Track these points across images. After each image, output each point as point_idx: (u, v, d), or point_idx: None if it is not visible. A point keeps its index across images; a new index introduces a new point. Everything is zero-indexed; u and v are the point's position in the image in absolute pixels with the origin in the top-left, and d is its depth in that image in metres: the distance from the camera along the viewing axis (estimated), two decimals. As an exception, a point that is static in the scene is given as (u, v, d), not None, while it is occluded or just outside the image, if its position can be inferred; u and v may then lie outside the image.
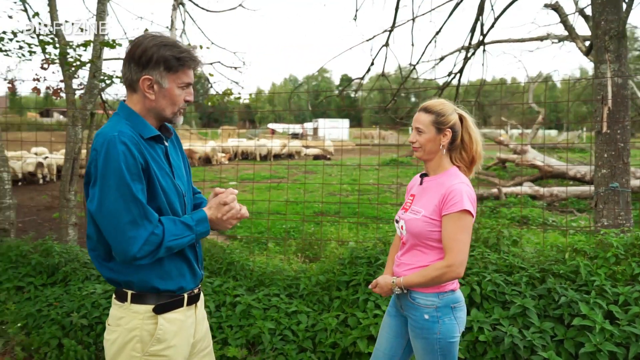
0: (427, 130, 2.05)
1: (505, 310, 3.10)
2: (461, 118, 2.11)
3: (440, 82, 6.20)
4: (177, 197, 1.75)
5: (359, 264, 3.64)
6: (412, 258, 2.10)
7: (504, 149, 17.08)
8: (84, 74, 5.65)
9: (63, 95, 5.48)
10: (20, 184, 14.13)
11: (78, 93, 5.55)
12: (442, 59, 6.71)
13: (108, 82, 5.54)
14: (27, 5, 5.71)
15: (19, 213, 6.63)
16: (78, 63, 5.37)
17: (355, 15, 5.60)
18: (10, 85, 5.66)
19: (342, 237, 5.72)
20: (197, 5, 6.02)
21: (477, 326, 3.02)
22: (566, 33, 6.79)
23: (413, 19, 5.38)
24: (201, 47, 5.98)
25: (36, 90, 5.43)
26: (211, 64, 6.33)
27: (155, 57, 1.64)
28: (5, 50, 5.67)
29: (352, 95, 6.57)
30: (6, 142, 5.03)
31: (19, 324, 3.69)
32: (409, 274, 2.06)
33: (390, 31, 5.53)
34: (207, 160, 22.15)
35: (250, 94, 7.08)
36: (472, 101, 5.99)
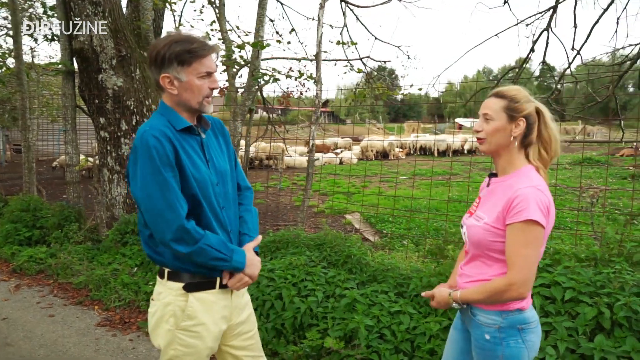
0: (497, 117, 1.77)
1: (642, 343, 2.55)
2: (538, 111, 1.79)
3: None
4: (211, 186, 1.84)
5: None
6: (474, 269, 1.85)
7: None
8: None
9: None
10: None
11: (240, 91, 6.17)
12: None
13: (266, 79, 6.01)
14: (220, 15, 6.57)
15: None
16: (241, 63, 5.95)
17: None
18: None
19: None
20: (348, 3, 6.17)
21: (599, 356, 2.54)
22: None
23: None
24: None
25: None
26: (361, 59, 6.42)
27: (167, 55, 1.74)
28: None
29: (553, 86, 5.92)
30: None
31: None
32: (468, 288, 1.83)
33: (553, 11, 4.85)
34: (384, 155, 22.51)
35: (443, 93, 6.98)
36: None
